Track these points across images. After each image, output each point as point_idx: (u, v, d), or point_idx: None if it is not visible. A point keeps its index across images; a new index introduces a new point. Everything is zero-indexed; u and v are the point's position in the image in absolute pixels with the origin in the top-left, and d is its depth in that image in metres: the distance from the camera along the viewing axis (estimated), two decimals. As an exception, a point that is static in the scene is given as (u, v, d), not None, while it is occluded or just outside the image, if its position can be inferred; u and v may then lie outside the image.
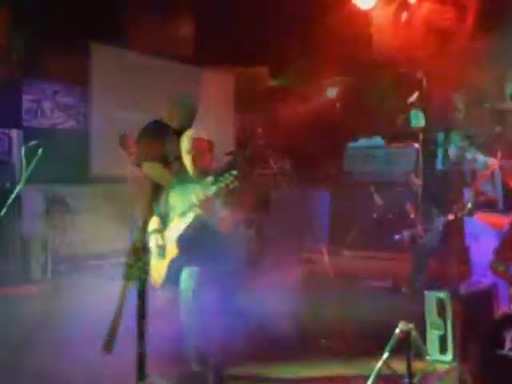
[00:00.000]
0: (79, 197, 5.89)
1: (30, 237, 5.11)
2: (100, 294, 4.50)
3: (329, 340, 3.63)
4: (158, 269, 3.12)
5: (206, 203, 2.98)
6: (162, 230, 3.19)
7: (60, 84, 5.97)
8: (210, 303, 2.97)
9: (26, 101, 5.74)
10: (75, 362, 2.90)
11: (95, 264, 5.84)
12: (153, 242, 3.18)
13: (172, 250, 3.11)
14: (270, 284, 4.32)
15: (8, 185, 4.99)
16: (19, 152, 5.34)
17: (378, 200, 6.18)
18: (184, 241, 3.08)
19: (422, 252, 4.30)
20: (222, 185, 2.92)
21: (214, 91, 6.84)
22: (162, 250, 3.14)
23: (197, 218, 3.07)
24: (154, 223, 3.19)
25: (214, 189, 2.94)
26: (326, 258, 4.79)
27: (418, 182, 3.76)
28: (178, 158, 3.47)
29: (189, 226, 3.09)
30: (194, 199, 3.02)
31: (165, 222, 3.23)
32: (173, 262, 3.09)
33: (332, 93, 7.40)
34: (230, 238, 3.22)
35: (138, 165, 3.41)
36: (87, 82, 6.22)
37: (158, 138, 3.35)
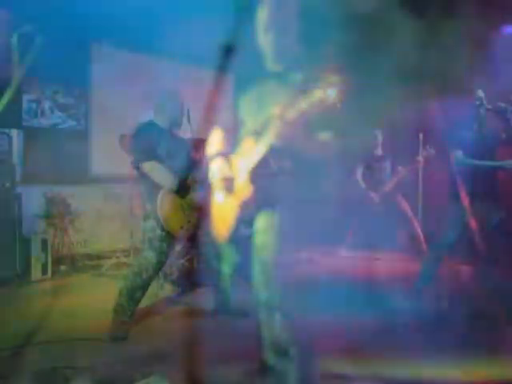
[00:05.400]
0: (79, 197, 5.90)
1: (29, 237, 5.11)
2: (100, 294, 4.51)
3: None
4: (224, 212, 2.11)
5: (291, 119, 1.78)
6: (228, 153, 2.16)
7: (60, 84, 5.97)
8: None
9: (26, 101, 5.73)
10: (75, 361, 2.89)
11: (95, 264, 5.85)
12: (215, 170, 2.15)
13: (243, 187, 2.01)
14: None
15: (8, 185, 5.00)
16: (19, 152, 5.35)
17: (374, 196, 6.22)
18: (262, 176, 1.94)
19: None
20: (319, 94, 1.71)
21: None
22: (229, 183, 2.10)
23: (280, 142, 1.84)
24: (216, 143, 2.20)
25: (307, 99, 1.73)
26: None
27: None
28: (173, 155, 3.43)
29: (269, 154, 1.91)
30: (273, 109, 1.85)
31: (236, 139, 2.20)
32: (245, 205, 2.03)
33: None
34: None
35: (137, 166, 3.39)
36: (87, 82, 6.22)
37: (154, 137, 3.35)
